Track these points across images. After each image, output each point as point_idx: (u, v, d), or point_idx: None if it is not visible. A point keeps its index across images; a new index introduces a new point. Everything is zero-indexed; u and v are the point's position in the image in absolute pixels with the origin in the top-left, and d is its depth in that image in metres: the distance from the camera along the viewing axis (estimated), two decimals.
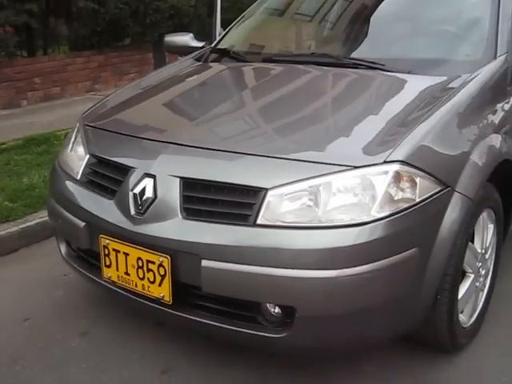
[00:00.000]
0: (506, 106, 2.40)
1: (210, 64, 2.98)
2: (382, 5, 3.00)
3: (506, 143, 2.28)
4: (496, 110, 2.33)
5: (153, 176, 2.04)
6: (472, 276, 2.25)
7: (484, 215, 2.26)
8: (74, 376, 2.24)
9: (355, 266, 1.79)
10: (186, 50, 3.37)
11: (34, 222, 3.45)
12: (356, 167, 1.85)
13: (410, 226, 1.86)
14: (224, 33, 3.34)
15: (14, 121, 5.79)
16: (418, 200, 1.86)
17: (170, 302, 2.00)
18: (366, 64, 2.50)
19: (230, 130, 2.26)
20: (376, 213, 1.81)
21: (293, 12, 3.25)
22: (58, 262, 2.89)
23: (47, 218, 3.29)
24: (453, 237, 1.95)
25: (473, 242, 2.24)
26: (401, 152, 1.87)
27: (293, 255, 1.81)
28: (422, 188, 1.88)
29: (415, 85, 2.36)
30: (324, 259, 1.79)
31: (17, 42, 6.38)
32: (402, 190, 1.85)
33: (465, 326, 2.29)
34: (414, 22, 2.79)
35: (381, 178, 1.83)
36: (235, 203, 1.90)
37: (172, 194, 1.98)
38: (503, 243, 2.60)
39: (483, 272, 2.36)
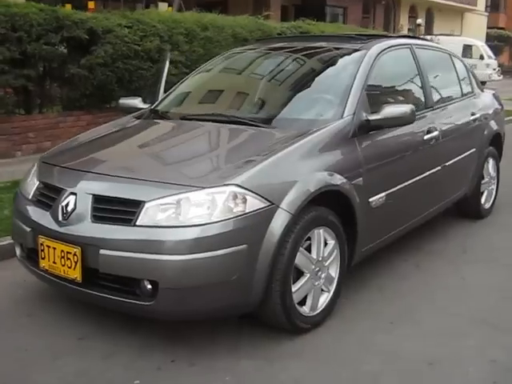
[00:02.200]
0: (344, 152, 3.27)
1: (142, 121, 3.92)
2: (264, 79, 4.00)
3: (337, 178, 3.13)
4: (333, 154, 3.21)
5: (75, 194, 2.93)
6: (308, 275, 3.06)
7: (320, 231, 3.09)
8: (22, 338, 3.07)
9: (199, 253, 2.64)
10: (135, 111, 4.30)
11: (6, 242, 4.30)
12: (204, 187, 2.74)
13: (241, 229, 2.71)
14: (163, 97, 4.29)
15: (7, 168, 6.71)
16: (247, 211, 2.72)
17: (81, 281, 2.85)
18: (244, 121, 3.43)
19: (127, 163, 3.20)
20: (216, 218, 2.67)
21: (207, 82, 4.25)
22: (22, 272, 3.79)
23: None
24: (276, 240, 2.79)
25: (310, 249, 3.07)
26: (237, 178, 2.76)
27: (158, 245, 2.67)
28: (251, 203, 2.74)
29: (273, 135, 3.26)
30: (178, 247, 2.65)
31: (15, 101, 7.42)
32: (236, 204, 2.72)
33: (305, 314, 3.08)
34: (285, 91, 3.76)
35: (221, 195, 2.71)
36: (125, 211, 2.78)
37: (86, 205, 2.87)
38: (352, 260, 3.43)
39: (323, 275, 3.16)
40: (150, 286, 2.74)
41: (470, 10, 29.19)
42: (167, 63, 4.80)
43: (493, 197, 5.41)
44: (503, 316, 3.39)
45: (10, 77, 6.98)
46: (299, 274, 3.05)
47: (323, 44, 4.16)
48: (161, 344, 3.00)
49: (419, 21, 20.86)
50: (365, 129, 3.44)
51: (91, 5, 11.57)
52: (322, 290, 3.22)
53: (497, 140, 5.34)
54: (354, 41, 4.07)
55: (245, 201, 2.74)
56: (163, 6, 13.68)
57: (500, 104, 5.66)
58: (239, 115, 3.53)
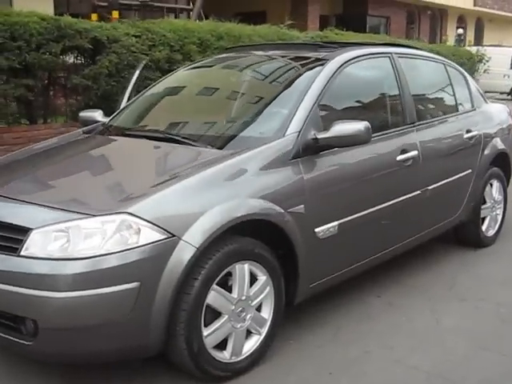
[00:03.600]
0: (280, 175, 2.86)
1: (83, 136, 3.62)
2: (214, 93, 3.65)
3: (265, 205, 2.72)
4: (264, 178, 2.80)
5: None
6: (226, 317, 2.66)
7: (244, 266, 2.69)
8: None
9: (84, 290, 2.30)
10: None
11: None
12: (94, 215, 2.40)
13: (133, 264, 2.35)
14: (120, 110, 3.99)
15: None
16: (140, 244, 2.36)
17: None
18: (177, 139, 3.07)
19: (32, 186, 2.88)
20: (105, 251, 2.33)
21: (161, 96, 3.89)
22: None
23: None
24: (177, 277, 2.41)
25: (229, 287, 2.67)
26: (131, 206, 2.40)
27: (38, 279, 2.34)
28: (146, 235, 2.38)
29: (199, 155, 2.90)
30: (59, 283, 2.31)
31: (19, 112, 7.32)
32: (128, 235, 2.36)
33: (225, 361, 2.69)
34: (233, 106, 3.39)
35: (111, 224, 2.36)
36: (12, 238, 2.46)
37: None
38: (295, 298, 3.01)
39: (248, 316, 2.75)
40: (32, 325, 2.42)
41: None
42: (137, 73, 4.51)
43: (498, 223, 4.83)
44: (470, 371, 2.89)
45: (9, 87, 6.88)
46: (218, 314, 2.66)
47: (287, 53, 3.75)
48: None
49: (460, 31, 19.99)
50: (313, 149, 3.03)
51: (115, 14, 11.52)
52: (251, 333, 2.82)
53: (503, 160, 4.77)
54: (322, 49, 3.65)
55: (138, 231, 2.38)
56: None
57: (510, 119, 5.09)
58: (176, 132, 3.18)
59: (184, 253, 2.44)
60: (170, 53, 8.23)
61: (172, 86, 3.93)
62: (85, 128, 3.83)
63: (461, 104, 4.45)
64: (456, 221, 4.34)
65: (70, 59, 7.71)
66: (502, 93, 18.50)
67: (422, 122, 3.88)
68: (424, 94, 4.14)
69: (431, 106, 4.21)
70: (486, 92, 18.35)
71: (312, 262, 3.01)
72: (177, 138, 3.10)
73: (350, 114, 3.41)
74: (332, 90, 3.29)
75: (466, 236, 4.62)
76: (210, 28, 9.10)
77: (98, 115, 4.06)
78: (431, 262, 4.35)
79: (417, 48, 4.40)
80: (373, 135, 3.36)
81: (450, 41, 19.59)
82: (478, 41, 22.98)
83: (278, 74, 3.57)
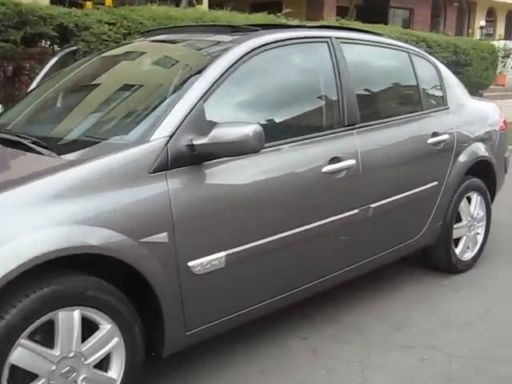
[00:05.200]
0: (131, 194, 2.17)
1: None
2: (82, 92, 3.00)
3: (97, 234, 2.05)
4: (101, 198, 2.11)
5: None
6: (42, 380, 2.00)
7: (72, 314, 2.03)
8: None
9: None
10: None
11: None
12: None
13: None
14: (11, 105, 3.36)
15: None
16: None
17: None
18: (25, 143, 2.41)
19: None
20: None
21: (36, 93, 3.19)
22: None
23: None
24: None
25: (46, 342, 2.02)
26: None
27: None
28: None
29: (31, 164, 2.28)
30: None
31: None
32: None
33: None
34: (98, 106, 2.74)
35: None
36: None
37: None
38: (163, 349, 2.35)
39: (82, 377, 2.10)
40: None
41: None
42: (52, 62, 3.88)
43: (478, 244, 4.04)
44: None
45: None
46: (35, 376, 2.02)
47: (195, 37, 3.04)
48: None
49: (482, 23, 18.85)
50: (189, 158, 2.33)
51: (108, 1, 10.95)
52: None
53: (485, 169, 3.99)
54: (237, 33, 2.94)
55: None
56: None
57: (500, 121, 4.28)
58: (30, 134, 2.51)
59: None
60: None
61: (54, 81, 3.23)
62: None
63: (428, 101, 3.67)
64: (420, 243, 3.59)
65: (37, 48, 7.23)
66: None
67: (366, 124, 3.13)
68: (375, 89, 3.38)
69: (384, 104, 3.45)
70: None
71: (187, 305, 2.34)
72: (24, 141, 2.44)
73: (257, 114, 2.71)
74: (233, 84, 2.60)
75: (434, 260, 3.86)
76: (195, 16, 8.44)
77: None
78: (384, 291, 3.62)
79: (373, 33, 3.63)
80: (289, 140, 2.71)
81: (477, 34, 18.52)
82: (510, 35, 21.72)
83: (170, 63, 2.89)
